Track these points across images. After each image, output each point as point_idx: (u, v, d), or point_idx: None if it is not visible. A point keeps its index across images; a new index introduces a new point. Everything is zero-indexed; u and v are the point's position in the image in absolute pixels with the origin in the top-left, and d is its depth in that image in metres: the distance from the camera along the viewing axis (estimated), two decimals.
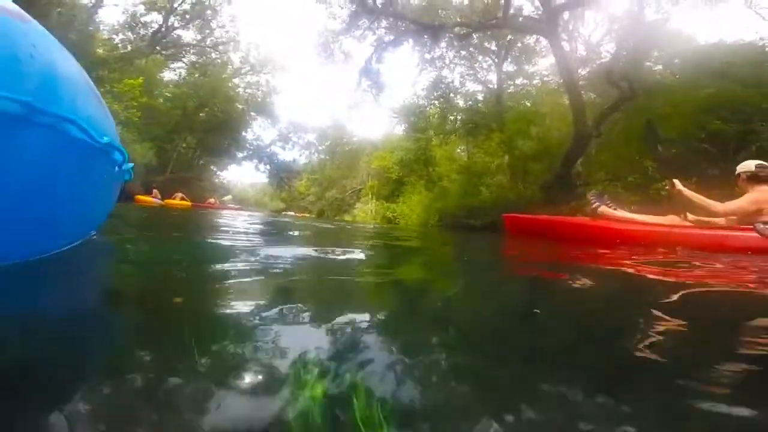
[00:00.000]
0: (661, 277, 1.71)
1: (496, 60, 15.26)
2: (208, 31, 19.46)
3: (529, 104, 15.65)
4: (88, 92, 1.31)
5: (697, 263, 2.29)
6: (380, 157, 24.09)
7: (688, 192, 3.62)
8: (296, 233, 3.67)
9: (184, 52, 20.08)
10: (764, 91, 7.71)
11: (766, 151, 7.80)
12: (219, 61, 20.81)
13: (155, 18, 17.99)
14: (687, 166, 8.38)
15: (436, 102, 16.77)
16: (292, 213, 28.35)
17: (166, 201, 15.45)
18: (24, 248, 1.22)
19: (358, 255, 2.09)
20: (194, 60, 20.48)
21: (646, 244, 3.46)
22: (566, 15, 10.98)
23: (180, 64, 20.41)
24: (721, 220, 3.65)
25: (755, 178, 3.51)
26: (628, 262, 2.26)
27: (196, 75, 19.88)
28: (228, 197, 25.15)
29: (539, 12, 10.63)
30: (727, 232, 3.41)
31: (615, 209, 3.99)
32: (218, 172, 30.82)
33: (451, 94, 16.43)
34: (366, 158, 28.04)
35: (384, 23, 12.10)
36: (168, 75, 20.22)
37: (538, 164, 14.05)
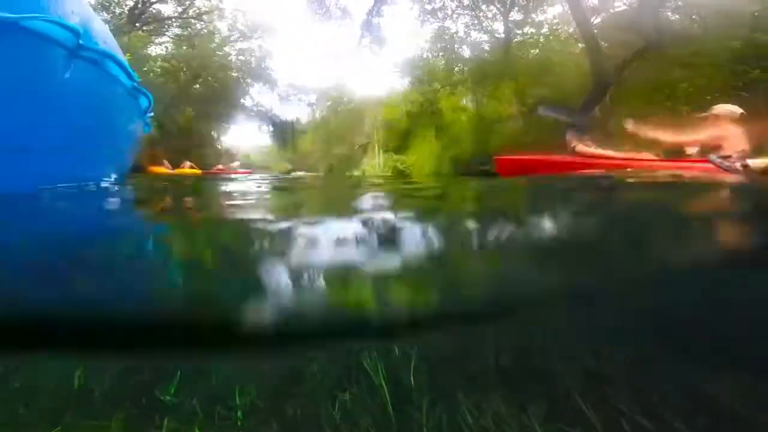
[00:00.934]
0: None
1: (502, 9, 14.04)
2: (188, 2, 17.83)
3: (537, 53, 14.77)
4: (114, 43, 1.41)
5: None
6: (389, 108, 23.34)
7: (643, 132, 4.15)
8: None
9: (166, 26, 18.66)
10: None
11: None
12: (205, 30, 19.36)
13: None
14: None
15: (441, 53, 15.81)
16: (302, 173, 28.30)
17: (176, 170, 15.34)
18: (58, 176, 1.31)
19: None
20: (179, 33, 19.07)
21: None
22: None
23: (165, 38, 19.06)
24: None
25: (730, 120, 3.82)
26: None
27: (184, 47, 18.62)
28: (236, 163, 25.10)
29: None
30: (680, 163, 3.83)
31: (592, 147, 4.45)
32: (220, 138, 30.31)
33: (456, 46, 15.42)
34: (371, 113, 27.05)
35: None
36: (156, 50, 19.05)
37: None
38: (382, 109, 23.99)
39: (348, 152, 28.94)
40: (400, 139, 23.81)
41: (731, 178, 3.25)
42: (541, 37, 14.83)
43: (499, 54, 14.81)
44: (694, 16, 10.00)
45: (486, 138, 15.87)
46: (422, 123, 21.54)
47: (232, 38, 20.90)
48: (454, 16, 14.54)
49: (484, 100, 18.43)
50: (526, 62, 14.08)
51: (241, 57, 21.96)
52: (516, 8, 14.01)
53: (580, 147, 4.43)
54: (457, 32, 15.02)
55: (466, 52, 15.73)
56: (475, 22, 14.89)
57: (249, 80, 23.30)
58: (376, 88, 30.55)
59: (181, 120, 22.51)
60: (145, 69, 17.75)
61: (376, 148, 27.98)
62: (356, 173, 27.48)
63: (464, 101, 21.83)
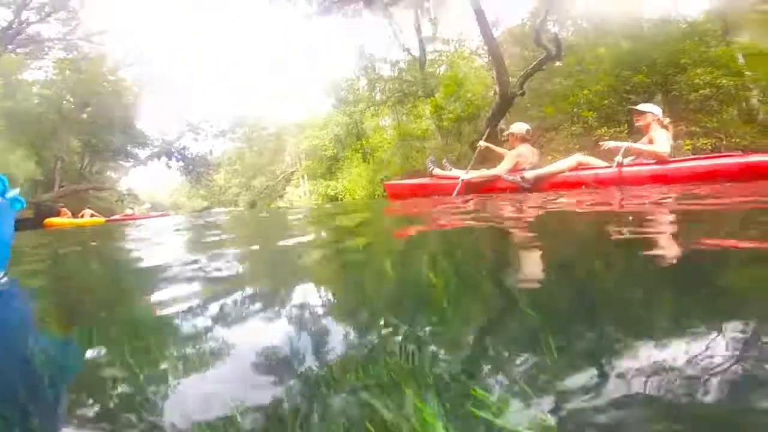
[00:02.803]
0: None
1: (415, 25, 14.87)
2: (75, 23, 15.79)
3: (446, 69, 15.80)
4: None
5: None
6: (312, 135, 22.85)
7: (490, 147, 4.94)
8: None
9: (47, 49, 16.19)
10: (670, 48, 8.50)
11: (676, 97, 8.82)
12: (93, 54, 17.13)
13: (3, 14, 14.13)
14: (616, 114, 9.17)
15: (363, 73, 16.05)
16: (222, 209, 26.10)
17: (77, 220, 13.54)
18: None
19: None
20: (63, 56, 16.63)
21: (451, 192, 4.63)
22: None
23: (45, 62, 16.47)
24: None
25: (522, 138, 4.50)
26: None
27: (67, 72, 16.16)
28: (146, 206, 22.55)
29: None
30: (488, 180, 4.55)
31: (450, 169, 5.09)
32: (121, 178, 26.84)
33: (377, 64, 15.81)
34: (293, 140, 26.35)
35: None
36: (34, 75, 16.26)
37: (468, 125, 14.45)
38: (308, 137, 23.53)
39: (271, 182, 27.58)
40: (327, 164, 23.47)
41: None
42: (447, 53, 15.88)
43: (414, 71, 15.45)
44: (577, 26, 11.30)
45: (412, 157, 16.20)
46: (348, 145, 21.51)
47: (127, 61, 18.88)
48: (375, 34, 14.96)
49: (404, 119, 19.07)
50: (443, 79, 14.86)
51: (139, 82, 19.88)
52: (427, 23, 14.88)
53: (436, 170, 5.07)
54: (377, 51, 15.42)
55: (386, 70, 16.17)
56: (393, 40, 15.48)
57: (150, 107, 21.08)
58: (294, 113, 29.84)
59: (72, 157, 19.39)
60: (19, 97, 15.05)
61: (302, 176, 27.21)
62: (282, 204, 26.26)
63: (384, 121, 22.41)
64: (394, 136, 19.78)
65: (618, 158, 3.70)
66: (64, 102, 16.72)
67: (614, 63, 9.24)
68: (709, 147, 8.07)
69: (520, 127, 4.57)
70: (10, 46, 14.46)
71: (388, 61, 15.92)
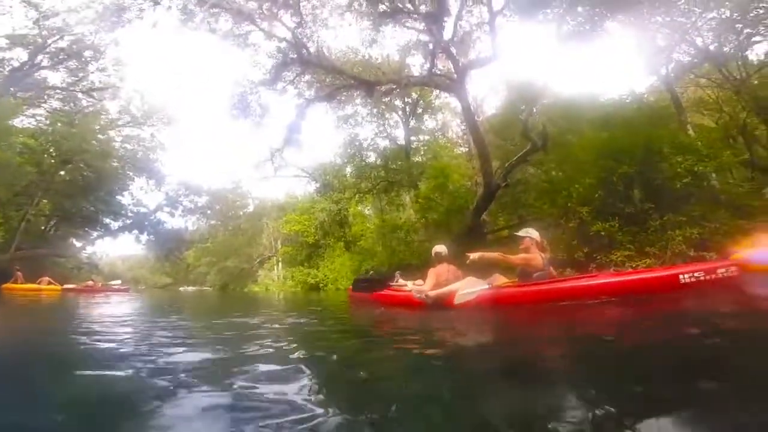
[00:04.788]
0: None
1: (403, 117, 15.94)
2: (82, 74, 16.40)
3: (431, 159, 16.47)
4: None
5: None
6: (293, 220, 22.47)
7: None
8: None
9: (47, 97, 16.44)
10: (645, 135, 8.91)
11: (660, 186, 8.84)
12: (91, 109, 17.40)
13: (18, 54, 14.67)
14: (606, 207, 9.02)
15: (352, 160, 16.54)
16: (191, 288, 24.04)
17: (33, 285, 13.42)
18: None
19: None
20: (59, 106, 16.79)
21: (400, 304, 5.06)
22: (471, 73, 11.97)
23: (41, 110, 16.55)
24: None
25: (438, 259, 5.00)
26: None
27: (59, 124, 16.05)
28: (116, 281, 20.74)
29: (450, 70, 11.41)
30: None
31: (403, 284, 5.73)
32: (85, 248, 25.05)
33: (364, 152, 16.43)
34: (273, 223, 25.96)
35: (306, 77, 11.61)
36: (24, 122, 16.07)
37: (453, 217, 14.27)
38: (289, 221, 23.17)
39: (247, 265, 26.03)
40: (307, 252, 22.61)
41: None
42: (434, 144, 16.69)
43: (401, 160, 15.94)
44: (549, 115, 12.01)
45: (399, 249, 15.75)
46: (331, 233, 21.06)
47: (120, 122, 19.01)
48: (364, 123, 15.79)
49: (386, 208, 19.11)
50: (431, 169, 15.31)
51: (126, 145, 19.70)
52: (413, 117, 15.89)
53: (395, 282, 5.63)
54: (365, 139, 16.12)
55: (372, 158, 16.68)
56: (381, 129, 16.33)
57: (130, 173, 20.50)
58: (277, 195, 29.84)
59: (31, 214, 18.13)
60: (2, 143, 14.53)
61: (278, 261, 25.98)
62: (255, 288, 24.47)
63: (367, 209, 22.44)
64: (378, 225, 19.63)
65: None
66: (46, 155, 16.27)
67: (599, 154, 9.43)
68: (697, 235, 7.82)
69: (441, 249, 5.13)
70: (12, 89, 14.54)
71: (374, 149, 16.58)
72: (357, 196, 18.44)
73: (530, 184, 13.14)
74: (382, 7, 10.14)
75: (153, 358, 1.83)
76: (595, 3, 9.97)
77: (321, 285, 19.37)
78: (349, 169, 17.71)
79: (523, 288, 4.03)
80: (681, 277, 3.36)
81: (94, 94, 16.80)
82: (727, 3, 10.59)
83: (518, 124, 11.41)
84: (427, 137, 17.19)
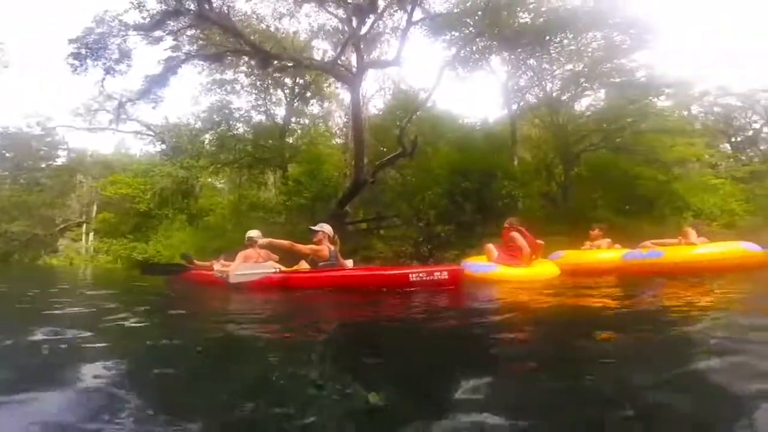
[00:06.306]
0: None
1: (289, 97, 15.38)
2: None
3: (307, 143, 16.49)
4: None
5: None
6: (123, 182, 18.60)
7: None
8: None
9: None
10: (486, 160, 11.35)
11: (484, 202, 11.41)
12: None
13: None
14: (449, 213, 11.07)
15: (216, 127, 14.96)
16: None
17: None
18: None
19: None
20: None
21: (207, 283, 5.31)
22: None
23: None
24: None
25: (250, 242, 5.35)
26: None
27: None
28: None
29: (351, 64, 11.76)
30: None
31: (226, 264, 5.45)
32: None
33: (234, 122, 15.11)
34: (91, 182, 20.82)
35: (192, 32, 9.92)
36: None
37: (320, 204, 14.73)
38: (114, 182, 19.02)
39: (43, 231, 19.77)
40: (135, 221, 19.05)
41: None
42: (309, 128, 16.72)
43: (273, 139, 15.34)
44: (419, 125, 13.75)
45: (256, 228, 15.05)
46: (171, 203, 18.41)
47: None
48: (242, 92, 14.46)
49: (246, 184, 18.07)
50: (295, 151, 15.24)
51: None
52: (299, 98, 15.46)
53: (217, 265, 5.52)
54: (240, 109, 14.79)
55: (241, 130, 15.47)
56: (260, 103, 15.27)
57: None
58: (102, 148, 24.06)
59: None
60: None
61: (88, 230, 21.05)
62: (53, 261, 19.11)
63: (220, 183, 20.59)
64: (233, 201, 18.30)
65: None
66: None
67: (451, 169, 11.41)
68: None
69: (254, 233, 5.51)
70: None
71: (246, 120, 15.46)
72: (213, 166, 16.78)
73: (389, 185, 14.58)
74: None
75: None
76: (493, 38, 11.86)
77: (152, 262, 16.85)
78: (208, 136, 15.90)
79: (307, 275, 4.59)
80: (411, 276, 4.04)
81: None
82: (585, 58, 12.54)
83: (395, 130, 12.59)
84: (307, 122, 16.94)
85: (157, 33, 9.08)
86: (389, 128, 14.27)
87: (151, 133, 17.80)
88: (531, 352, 1.73)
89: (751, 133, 26.56)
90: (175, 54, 9.79)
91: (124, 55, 9.29)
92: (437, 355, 1.68)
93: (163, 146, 17.46)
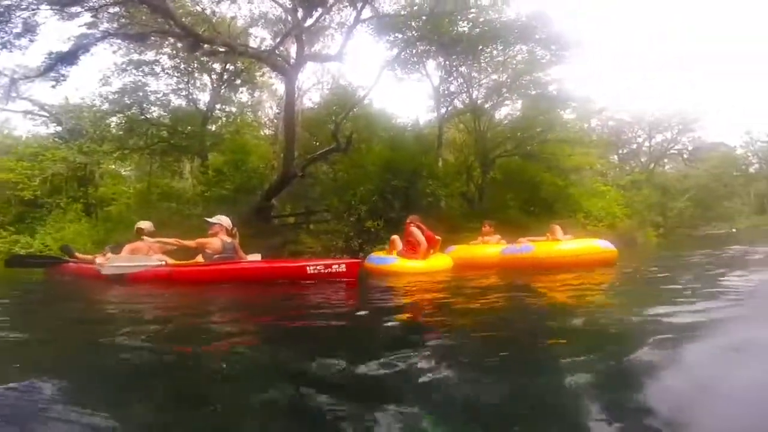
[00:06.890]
0: None
1: (217, 83, 14.29)
2: None
3: (232, 132, 15.56)
4: None
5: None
6: (5, 167, 15.76)
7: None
8: None
9: None
10: (415, 160, 11.80)
11: (412, 200, 11.88)
12: None
13: None
14: (378, 209, 11.32)
15: (126, 110, 13.40)
16: None
17: None
18: None
19: None
20: None
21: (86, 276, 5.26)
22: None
23: None
24: None
25: (139, 234, 5.13)
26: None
27: None
28: None
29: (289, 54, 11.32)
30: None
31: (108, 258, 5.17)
32: None
33: (147, 105, 13.69)
34: None
35: (114, 9, 8.66)
36: None
37: (243, 196, 14.01)
38: None
39: None
40: (18, 211, 16.22)
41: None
42: (238, 118, 15.80)
43: (194, 125, 14.19)
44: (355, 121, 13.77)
45: (173, 221, 13.84)
46: (65, 191, 16.07)
47: None
48: (163, 75, 13.02)
49: (157, 173, 16.56)
50: (217, 139, 14.35)
51: None
52: (227, 85, 14.46)
53: (100, 258, 5.25)
54: (158, 92, 13.31)
55: (155, 114, 14.01)
56: (182, 87, 13.90)
57: None
58: None
59: None
60: None
61: None
62: None
63: (125, 170, 18.62)
64: (141, 190, 16.57)
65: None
66: None
67: (382, 167, 11.64)
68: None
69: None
70: None
71: (162, 104, 14.07)
72: (120, 152, 15.03)
73: (319, 180, 14.45)
74: None
75: None
76: (432, 43, 12.26)
77: (19, 254, 14.56)
78: (116, 119, 14.17)
79: (195, 268, 4.56)
80: (308, 268, 4.19)
81: None
82: (509, 69, 13.29)
83: (330, 124, 12.47)
84: (234, 110, 15.90)
85: (75, 8, 7.88)
86: (324, 122, 14.08)
87: (45, 113, 15.35)
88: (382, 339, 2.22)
89: (635, 146, 31.32)
90: (90, 31, 8.59)
91: (28, 29, 7.94)
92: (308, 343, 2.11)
93: (58, 128, 15.16)
